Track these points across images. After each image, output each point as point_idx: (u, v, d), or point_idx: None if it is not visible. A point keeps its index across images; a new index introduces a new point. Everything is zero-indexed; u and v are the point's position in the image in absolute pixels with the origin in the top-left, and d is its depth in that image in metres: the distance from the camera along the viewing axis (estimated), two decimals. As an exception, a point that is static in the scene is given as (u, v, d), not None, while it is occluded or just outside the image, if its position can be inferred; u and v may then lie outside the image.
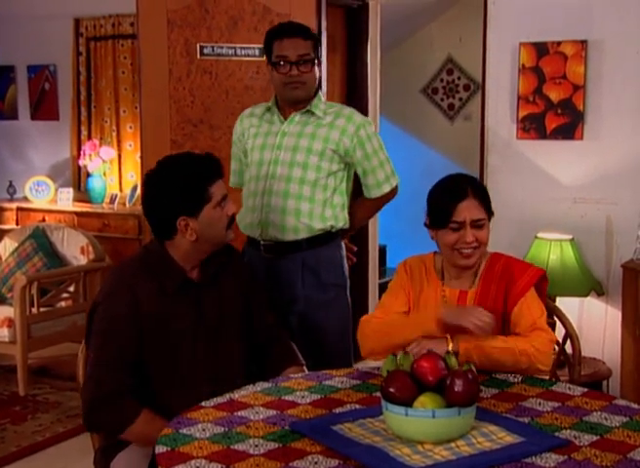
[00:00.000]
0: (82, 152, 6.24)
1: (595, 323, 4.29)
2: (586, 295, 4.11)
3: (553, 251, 4.04)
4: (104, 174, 6.25)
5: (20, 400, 4.73)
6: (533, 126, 4.34)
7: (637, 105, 4.14)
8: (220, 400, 2.25)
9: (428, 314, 2.48)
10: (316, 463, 1.83)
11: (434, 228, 2.57)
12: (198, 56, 4.34)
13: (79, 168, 6.46)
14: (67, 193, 6.26)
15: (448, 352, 2.09)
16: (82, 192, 6.39)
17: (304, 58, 3.07)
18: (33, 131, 6.78)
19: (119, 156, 6.29)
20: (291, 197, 3.11)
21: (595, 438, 1.95)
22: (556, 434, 1.97)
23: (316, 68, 3.13)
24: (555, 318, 2.87)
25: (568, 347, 2.82)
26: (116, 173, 6.31)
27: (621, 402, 2.21)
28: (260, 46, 4.16)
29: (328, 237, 3.18)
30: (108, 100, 6.31)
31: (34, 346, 4.90)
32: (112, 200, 6.09)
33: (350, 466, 1.82)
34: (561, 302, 3.78)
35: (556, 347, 2.88)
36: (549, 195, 4.38)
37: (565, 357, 2.85)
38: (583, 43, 4.18)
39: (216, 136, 4.37)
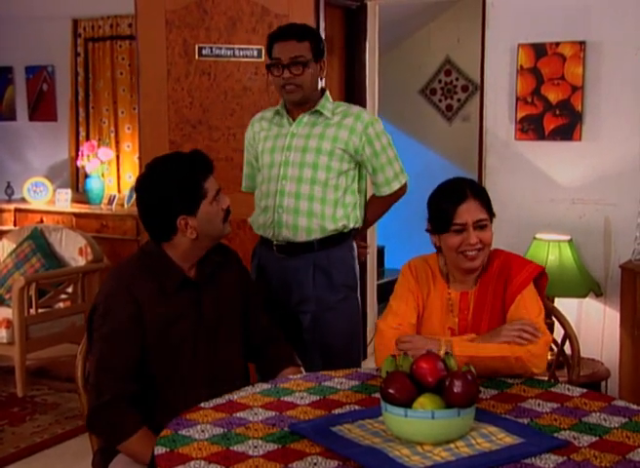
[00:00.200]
0: (80, 153, 6.24)
1: (593, 323, 4.29)
2: (585, 296, 4.11)
3: (552, 251, 4.04)
4: (103, 175, 6.25)
5: (18, 401, 4.72)
6: (531, 127, 4.35)
7: (635, 106, 4.14)
8: (219, 401, 2.25)
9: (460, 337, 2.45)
10: (315, 464, 1.83)
11: (437, 233, 2.56)
12: (196, 56, 4.33)
13: (77, 169, 6.46)
14: (65, 194, 6.26)
15: (447, 353, 2.09)
16: (80, 193, 6.39)
17: (296, 61, 3.07)
18: (31, 132, 6.78)
19: (117, 157, 6.29)
20: (302, 198, 3.14)
21: (594, 439, 1.95)
22: (555, 435, 1.97)
23: (311, 69, 3.11)
24: (554, 318, 2.87)
25: (567, 348, 2.81)
26: (114, 174, 6.31)
27: (620, 403, 2.21)
28: (259, 47, 4.20)
29: (340, 238, 3.20)
30: (106, 101, 6.31)
31: (32, 347, 4.90)
32: (110, 201, 6.09)
33: (350, 467, 1.82)
34: (559, 303, 3.78)
35: (555, 348, 2.88)
36: (548, 196, 4.38)
37: (564, 358, 2.85)
38: (582, 44, 4.18)
39: (214, 136, 4.37)
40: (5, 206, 6.34)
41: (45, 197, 6.43)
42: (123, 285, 2.48)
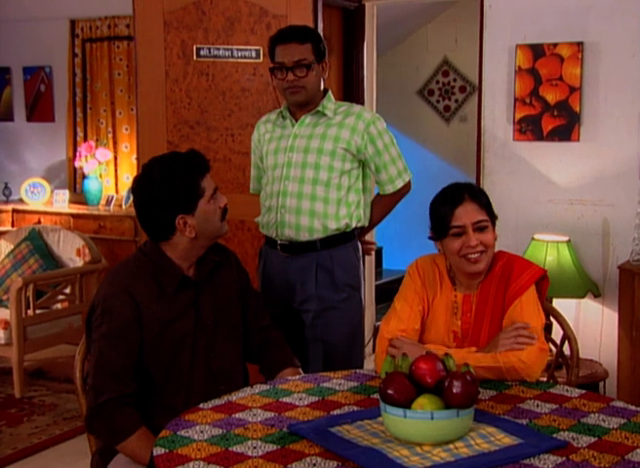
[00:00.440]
0: (78, 154, 6.24)
1: (592, 324, 4.29)
2: (583, 297, 4.11)
3: (550, 252, 4.04)
4: (100, 175, 6.25)
5: (16, 402, 4.71)
6: (529, 127, 4.35)
7: (633, 107, 4.14)
8: (217, 402, 2.25)
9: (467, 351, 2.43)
10: (315, 465, 1.83)
11: (438, 239, 2.54)
12: (195, 57, 4.33)
13: (75, 169, 6.46)
14: (63, 195, 6.26)
15: (446, 354, 2.09)
16: (78, 194, 6.40)
17: (300, 63, 3.09)
18: (29, 132, 6.78)
19: (115, 158, 6.29)
20: (305, 197, 3.16)
21: (593, 439, 1.95)
22: (554, 435, 1.97)
23: (315, 71, 3.13)
24: (552, 319, 2.87)
25: (565, 348, 2.81)
26: (112, 174, 6.31)
27: (619, 403, 2.21)
28: (257, 47, 4.20)
29: (344, 237, 3.21)
30: (104, 102, 6.31)
31: (30, 348, 4.89)
32: (108, 202, 6.09)
33: (349, 468, 1.82)
34: (558, 304, 3.78)
35: (554, 349, 2.88)
36: (546, 197, 4.38)
37: (563, 358, 2.85)
38: (580, 45, 4.19)
39: (212, 137, 4.37)
40: (2, 206, 6.34)
41: (43, 198, 6.42)
42: (121, 285, 2.48)
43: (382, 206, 3.38)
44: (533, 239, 4.14)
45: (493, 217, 2.55)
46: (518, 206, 4.44)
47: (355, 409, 2.19)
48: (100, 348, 2.43)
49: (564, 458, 1.84)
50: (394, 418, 1.91)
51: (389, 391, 1.93)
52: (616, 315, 3.97)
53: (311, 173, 3.16)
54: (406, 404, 1.91)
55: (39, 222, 6.03)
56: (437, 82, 7.31)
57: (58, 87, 6.57)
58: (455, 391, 1.91)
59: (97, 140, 6.30)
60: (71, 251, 5.32)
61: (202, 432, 2.02)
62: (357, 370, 2.56)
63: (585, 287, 4.10)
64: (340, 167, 3.16)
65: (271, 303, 3.06)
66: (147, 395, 2.48)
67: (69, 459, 3.94)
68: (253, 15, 4.24)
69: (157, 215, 2.51)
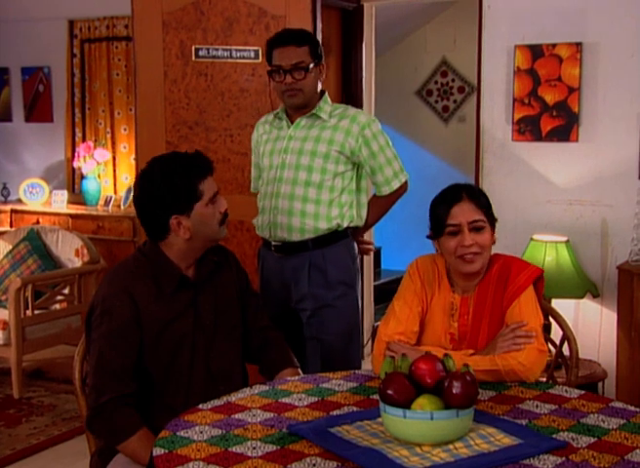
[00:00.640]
0: (76, 154, 6.24)
1: (590, 324, 4.29)
2: (582, 297, 4.12)
3: (549, 252, 4.04)
4: (99, 176, 6.25)
5: (14, 403, 4.71)
6: (528, 128, 4.35)
7: (632, 107, 4.14)
8: (217, 402, 2.25)
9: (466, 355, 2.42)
10: (314, 465, 1.83)
11: (436, 238, 2.54)
12: (193, 58, 4.33)
13: (73, 170, 6.46)
14: (62, 195, 6.26)
15: (446, 355, 2.09)
16: (76, 194, 6.40)
17: (298, 66, 3.11)
18: (27, 133, 6.78)
19: (113, 158, 6.29)
20: (296, 199, 3.19)
21: (593, 440, 1.95)
22: (554, 436, 1.97)
23: (312, 73, 3.16)
24: (552, 319, 2.87)
25: (564, 349, 2.81)
26: (111, 175, 6.31)
27: (618, 404, 2.21)
28: (256, 48, 4.20)
29: (336, 236, 3.23)
30: (103, 102, 6.31)
31: (29, 349, 4.88)
32: (107, 202, 6.09)
33: (348, 468, 1.82)
34: (557, 304, 3.78)
35: (553, 349, 2.88)
36: (545, 197, 4.38)
37: (562, 359, 2.85)
38: (578, 45, 4.19)
39: (211, 138, 4.37)
40: (1, 207, 6.34)
41: (41, 198, 6.42)
42: (121, 285, 2.48)
43: (379, 206, 3.40)
44: (531, 239, 4.14)
45: (491, 219, 2.54)
46: (517, 206, 4.44)
47: (355, 409, 2.19)
48: (100, 348, 2.43)
49: (564, 459, 1.84)
50: (394, 419, 1.91)
51: (389, 391, 1.93)
52: (614, 315, 3.97)
53: (304, 175, 3.19)
54: (406, 404, 1.91)
55: (38, 223, 6.03)
56: (436, 82, 7.31)
57: (56, 87, 6.57)
58: (454, 391, 1.91)
59: (95, 141, 6.30)
60: (70, 251, 5.32)
61: (201, 432, 2.02)
62: (356, 371, 2.56)
63: (584, 287, 4.10)
64: (333, 169, 3.18)
65: (270, 304, 3.08)
66: (147, 395, 2.48)
67: (68, 460, 3.93)
68: (252, 15, 4.24)
69: (153, 214, 2.52)
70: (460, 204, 2.48)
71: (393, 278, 6.53)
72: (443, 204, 2.51)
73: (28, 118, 6.77)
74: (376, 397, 2.12)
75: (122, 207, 5.99)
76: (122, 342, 2.43)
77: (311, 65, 3.14)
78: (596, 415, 2.11)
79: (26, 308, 4.81)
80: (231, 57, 4.28)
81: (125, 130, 6.21)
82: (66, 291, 5.14)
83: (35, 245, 5.33)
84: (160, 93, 4.40)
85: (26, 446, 4.10)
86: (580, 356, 2.88)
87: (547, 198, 4.38)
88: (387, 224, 6.68)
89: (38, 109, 6.70)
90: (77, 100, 6.43)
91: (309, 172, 3.18)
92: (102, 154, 6.15)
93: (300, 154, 3.20)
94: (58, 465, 3.92)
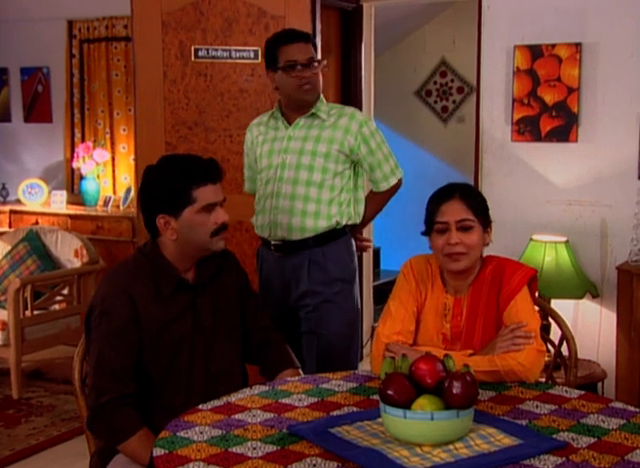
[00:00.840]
0: (75, 155, 6.23)
1: (590, 325, 4.29)
2: (581, 297, 4.12)
3: (548, 253, 4.04)
4: (98, 176, 6.24)
5: (13, 403, 4.70)
6: (527, 128, 4.35)
7: (631, 108, 4.14)
8: (217, 403, 2.25)
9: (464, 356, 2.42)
10: (315, 466, 1.83)
11: (427, 234, 2.55)
12: (193, 58, 4.33)
13: (72, 170, 6.45)
14: (61, 196, 6.25)
15: (446, 355, 2.09)
16: (75, 195, 6.39)
17: (312, 60, 3.18)
18: (26, 133, 6.77)
19: (113, 158, 6.28)
20: (298, 198, 3.21)
21: (593, 440, 1.95)
22: (554, 436, 1.97)
23: (321, 70, 3.24)
24: (551, 320, 2.87)
25: (564, 349, 2.81)
26: (110, 175, 6.30)
27: (618, 404, 2.21)
28: (256, 48, 4.18)
29: (335, 234, 3.26)
30: (102, 103, 6.30)
31: (28, 349, 4.88)
32: (106, 202, 6.09)
33: (349, 469, 1.82)
34: (556, 304, 3.78)
35: (552, 349, 2.88)
36: (544, 197, 4.38)
37: (561, 359, 2.85)
38: (578, 46, 4.19)
39: (210, 138, 4.36)
40: (0, 207, 6.33)
41: (40, 198, 6.42)
42: (120, 286, 2.48)
43: (377, 202, 3.45)
44: (531, 240, 4.14)
45: (484, 221, 2.52)
46: (516, 206, 4.44)
47: (355, 409, 2.19)
48: (100, 348, 2.43)
49: (564, 459, 1.84)
50: (394, 419, 1.91)
51: (389, 392, 1.93)
52: (614, 316, 3.97)
53: (305, 174, 3.21)
54: (406, 404, 1.91)
55: (37, 223, 6.02)
56: (435, 83, 7.30)
57: (55, 87, 6.56)
58: (455, 392, 1.91)
59: (94, 141, 6.29)
60: (69, 251, 5.32)
61: (202, 433, 2.02)
62: (356, 372, 2.57)
63: (584, 287, 4.10)
64: (333, 168, 3.22)
65: (270, 303, 3.09)
66: (147, 396, 2.48)
67: (67, 461, 3.93)
68: (251, 15, 4.24)
69: (144, 207, 2.55)
70: (449, 202, 2.49)
71: (392, 278, 6.43)
72: (435, 201, 2.52)
73: (27, 118, 6.76)
74: (376, 397, 2.12)
75: (121, 207, 5.98)
76: (121, 342, 2.43)
77: (320, 61, 3.22)
78: (596, 416, 2.11)
79: (25, 309, 4.81)
80: (231, 57, 4.28)
81: (124, 130, 6.21)
82: (66, 291, 5.14)
83: (34, 245, 5.33)
84: (159, 93, 4.40)
85: (26, 446, 4.10)
86: (580, 356, 2.88)
87: (547, 198, 4.38)
88: (386, 225, 6.69)
89: (37, 110, 6.69)
90: (76, 101, 6.42)
91: (310, 171, 3.20)
92: (102, 154, 6.14)
93: (301, 154, 3.21)
94: (57, 466, 3.92)
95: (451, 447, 1.89)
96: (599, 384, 4.06)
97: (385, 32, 6.30)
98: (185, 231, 2.49)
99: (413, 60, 7.31)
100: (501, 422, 2.05)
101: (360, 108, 5.30)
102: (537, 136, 4.34)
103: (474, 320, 2.51)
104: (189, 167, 2.49)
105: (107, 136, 6.28)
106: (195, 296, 2.56)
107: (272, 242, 3.29)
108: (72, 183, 6.50)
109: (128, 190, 6.00)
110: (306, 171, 3.21)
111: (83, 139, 6.39)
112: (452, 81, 7.22)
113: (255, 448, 1.92)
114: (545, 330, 3.38)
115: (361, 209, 3.37)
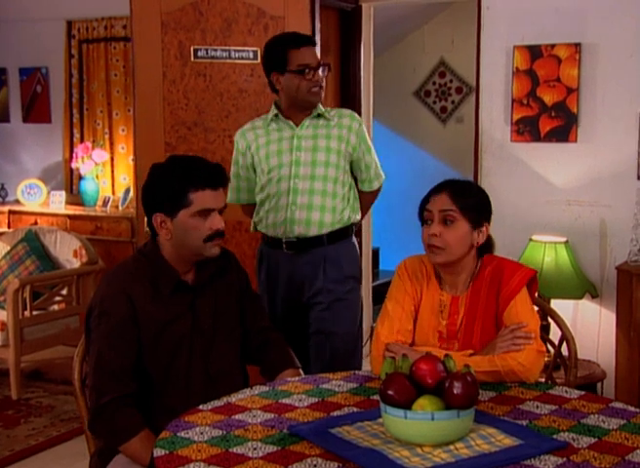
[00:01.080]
0: (74, 155, 6.23)
1: (589, 325, 4.29)
2: (581, 298, 4.12)
3: (548, 253, 4.04)
4: (97, 176, 6.24)
5: (12, 404, 4.70)
6: (527, 128, 4.35)
7: (630, 108, 4.15)
8: (217, 403, 2.25)
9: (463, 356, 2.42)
10: (315, 466, 1.83)
11: (422, 225, 2.57)
12: (192, 58, 4.33)
13: (71, 170, 6.45)
14: (60, 196, 6.25)
15: (446, 355, 2.08)
16: (74, 195, 6.38)
17: (322, 63, 3.26)
18: (25, 133, 6.77)
19: (112, 159, 6.28)
20: (316, 193, 3.27)
21: (593, 440, 1.95)
22: (554, 436, 1.97)
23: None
24: (550, 320, 2.87)
25: (563, 349, 2.82)
26: (109, 175, 6.30)
27: (618, 404, 2.21)
28: (255, 48, 4.19)
29: (346, 231, 3.35)
30: (101, 103, 6.30)
31: (27, 349, 4.88)
32: (105, 203, 6.09)
33: (349, 469, 1.82)
34: (555, 304, 3.78)
35: (552, 350, 2.88)
36: (544, 197, 4.39)
37: (561, 359, 2.85)
38: (577, 46, 4.19)
39: (210, 138, 4.36)
40: (-1, 208, 6.33)
41: (39, 199, 6.41)
42: (119, 286, 2.48)
43: (368, 201, 3.57)
44: (530, 240, 4.14)
45: (473, 218, 2.50)
46: (516, 207, 4.44)
47: (355, 410, 2.19)
48: (99, 349, 2.42)
49: (564, 459, 1.84)
50: (395, 419, 1.91)
51: (390, 392, 1.93)
52: (613, 316, 3.97)
53: (322, 170, 3.27)
54: (406, 404, 1.91)
55: (36, 223, 6.01)
56: (434, 83, 7.30)
57: (54, 88, 6.55)
58: (455, 392, 1.90)
59: (93, 141, 6.29)
60: (68, 252, 5.31)
61: (202, 433, 2.02)
62: (356, 372, 2.57)
63: (583, 287, 4.10)
64: (343, 165, 3.32)
65: (276, 302, 3.11)
66: (147, 396, 2.48)
67: (67, 461, 3.93)
68: (250, 16, 4.24)
69: (145, 205, 2.55)
70: (439, 194, 2.50)
71: (391, 278, 6.51)
72: (429, 192, 2.55)
73: (26, 119, 6.75)
74: (376, 397, 2.12)
75: (120, 207, 5.98)
76: (121, 342, 2.43)
77: (329, 65, 3.31)
78: (596, 416, 2.11)
79: (25, 309, 4.81)
80: (230, 57, 4.28)
81: (123, 130, 6.21)
82: (65, 291, 5.14)
83: (33, 246, 5.33)
84: (159, 93, 4.40)
85: (25, 447, 4.09)
86: (579, 356, 2.88)
87: (546, 198, 4.38)
88: (385, 225, 6.69)
89: (36, 110, 6.68)
90: (75, 101, 6.42)
91: (326, 167, 3.27)
92: (101, 155, 6.14)
93: (315, 151, 3.28)
94: (56, 466, 3.91)
95: (451, 447, 1.89)
96: (599, 384, 4.06)
97: (384, 32, 6.30)
98: (179, 233, 2.48)
99: (412, 61, 7.31)
100: (502, 422, 2.05)
101: (359, 109, 5.30)
102: (536, 137, 4.34)
103: (473, 320, 2.51)
104: (190, 169, 2.48)
105: (106, 137, 6.28)
106: (195, 298, 2.56)
107: (284, 240, 3.30)
108: (71, 184, 6.50)
109: (127, 190, 6.00)
110: (323, 166, 3.27)
111: (82, 140, 6.38)
112: (451, 81, 7.22)
113: (255, 449, 1.92)
114: (545, 330, 3.38)
115: (358, 207, 3.45)
